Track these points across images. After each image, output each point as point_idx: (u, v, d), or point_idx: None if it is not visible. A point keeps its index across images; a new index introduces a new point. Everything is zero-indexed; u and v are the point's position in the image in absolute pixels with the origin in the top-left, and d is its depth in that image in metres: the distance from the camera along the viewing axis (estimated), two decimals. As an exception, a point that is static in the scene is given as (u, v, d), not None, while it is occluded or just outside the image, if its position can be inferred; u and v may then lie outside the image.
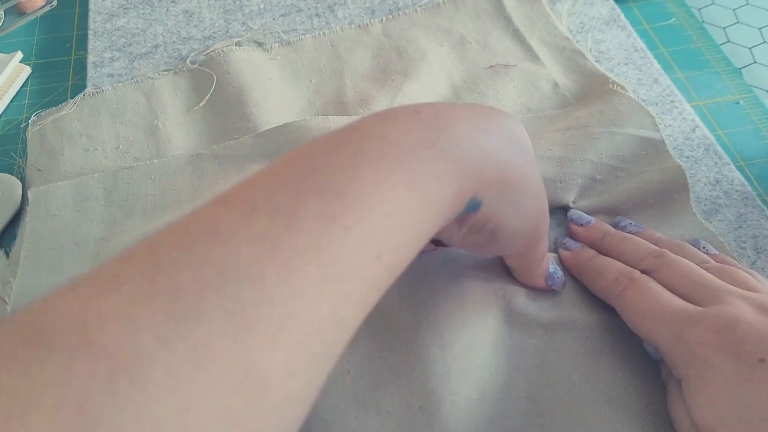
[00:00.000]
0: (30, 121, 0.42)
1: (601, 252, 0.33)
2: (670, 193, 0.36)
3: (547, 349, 0.30)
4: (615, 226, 0.35)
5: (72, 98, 0.43)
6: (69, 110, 0.42)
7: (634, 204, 0.36)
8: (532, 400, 0.29)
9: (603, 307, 0.32)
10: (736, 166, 0.39)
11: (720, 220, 0.36)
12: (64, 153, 0.40)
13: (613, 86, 0.40)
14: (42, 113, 0.42)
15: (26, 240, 0.36)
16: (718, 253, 0.33)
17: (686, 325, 0.27)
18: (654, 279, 0.30)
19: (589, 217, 0.35)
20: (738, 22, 0.50)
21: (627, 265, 0.31)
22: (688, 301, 0.28)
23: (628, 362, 0.30)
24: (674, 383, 0.28)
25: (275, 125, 0.39)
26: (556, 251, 0.35)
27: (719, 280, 0.29)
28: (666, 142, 0.37)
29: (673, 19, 0.49)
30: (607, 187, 0.36)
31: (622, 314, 0.30)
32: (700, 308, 0.27)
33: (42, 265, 0.35)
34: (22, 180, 0.39)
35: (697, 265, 0.30)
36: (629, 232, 0.34)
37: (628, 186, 0.36)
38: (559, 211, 0.37)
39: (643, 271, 0.30)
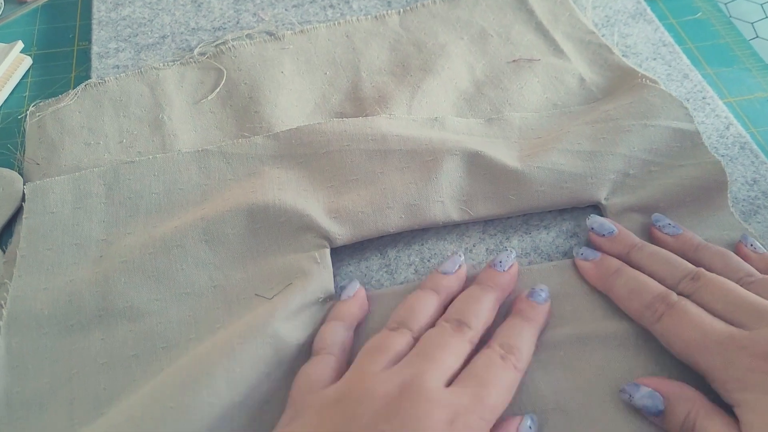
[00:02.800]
0: (28, 112, 0.40)
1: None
2: (708, 190, 0.34)
3: (573, 360, 0.29)
4: (652, 225, 0.33)
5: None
6: (70, 101, 0.40)
7: (669, 201, 0.34)
8: (562, 411, 0.27)
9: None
10: (772, 165, 0.37)
11: (759, 222, 0.34)
12: (64, 146, 0.38)
13: (642, 80, 0.38)
14: (41, 104, 0.40)
15: (23, 238, 0.34)
16: (767, 252, 0.31)
17: (734, 352, 0.25)
18: (693, 301, 0.28)
19: (613, 226, 0.32)
20: (766, 17, 0.48)
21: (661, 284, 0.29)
22: (733, 325, 0.26)
23: (660, 370, 0.28)
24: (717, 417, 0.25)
25: (288, 128, 0.37)
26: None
27: (763, 300, 0.27)
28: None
29: (699, 14, 0.47)
30: (641, 183, 0.34)
31: (662, 341, 0.28)
32: (745, 332, 0.26)
33: (40, 266, 0.33)
34: (21, 175, 0.37)
35: (741, 278, 0.29)
36: (667, 234, 0.32)
37: (664, 182, 0.34)
38: (591, 208, 0.35)
39: (679, 293, 0.28)
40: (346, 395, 0.25)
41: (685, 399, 0.26)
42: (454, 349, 0.27)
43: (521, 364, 0.27)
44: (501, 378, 0.26)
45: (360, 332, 0.30)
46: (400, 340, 0.28)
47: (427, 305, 0.29)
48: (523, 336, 0.28)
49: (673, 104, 0.36)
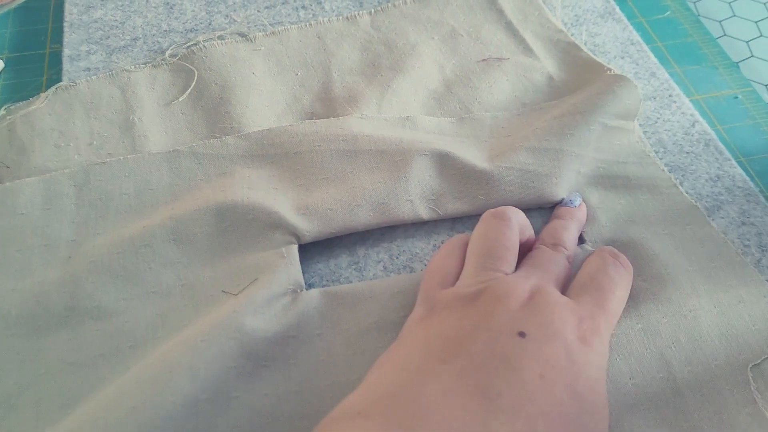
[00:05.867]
0: (-1, 116, 0.40)
1: None
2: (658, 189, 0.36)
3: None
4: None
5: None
6: (40, 104, 0.40)
7: (619, 202, 0.35)
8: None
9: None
10: (736, 161, 0.38)
11: (722, 218, 0.35)
12: (34, 149, 0.38)
13: (610, 73, 0.39)
14: (11, 107, 0.40)
15: (-9, 240, 0.34)
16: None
17: None
18: None
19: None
20: (734, 15, 0.49)
21: None
22: None
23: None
24: None
25: (260, 128, 0.38)
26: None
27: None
28: (666, 136, 0.36)
29: (668, 12, 0.48)
30: (593, 181, 0.36)
31: None
32: None
33: (9, 268, 0.33)
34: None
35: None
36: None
37: (612, 182, 0.36)
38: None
39: None
40: (482, 294, 0.26)
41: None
42: (560, 263, 0.30)
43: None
44: (608, 294, 0.28)
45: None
46: (513, 237, 0.30)
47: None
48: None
49: (632, 98, 0.37)
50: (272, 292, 0.30)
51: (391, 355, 0.26)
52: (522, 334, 0.24)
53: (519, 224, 0.30)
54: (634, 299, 0.31)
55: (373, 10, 0.46)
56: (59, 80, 0.42)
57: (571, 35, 0.44)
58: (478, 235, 0.30)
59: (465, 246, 0.30)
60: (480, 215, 0.35)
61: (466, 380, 0.23)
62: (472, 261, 0.29)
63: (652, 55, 0.43)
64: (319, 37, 0.44)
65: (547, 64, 0.42)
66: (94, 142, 0.38)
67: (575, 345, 0.25)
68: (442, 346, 0.25)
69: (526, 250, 0.31)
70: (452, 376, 0.23)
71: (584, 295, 0.27)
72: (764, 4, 0.49)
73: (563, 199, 0.34)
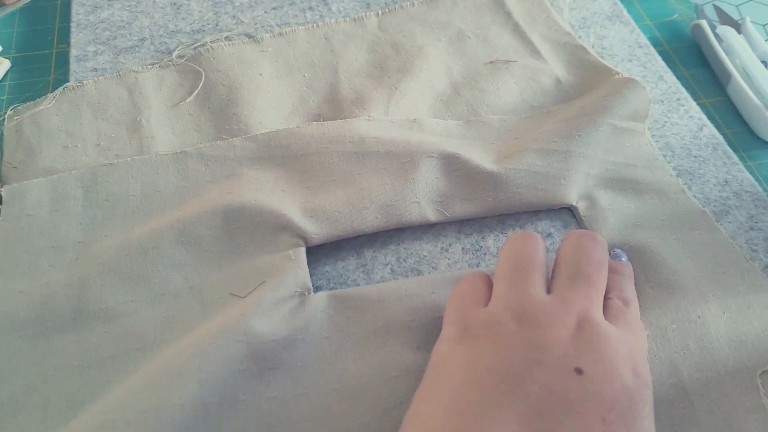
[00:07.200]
0: (6, 116, 0.40)
1: None
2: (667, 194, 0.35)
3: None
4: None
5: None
6: (48, 105, 0.40)
7: (631, 204, 0.35)
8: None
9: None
10: (744, 166, 0.38)
11: (730, 222, 0.35)
12: (41, 150, 0.38)
13: (619, 76, 0.39)
14: (19, 108, 0.40)
15: (-1, 241, 0.34)
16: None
17: None
18: None
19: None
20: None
21: None
22: None
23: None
24: None
25: (267, 130, 0.38)
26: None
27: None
28: (674, 140, 0.36)
29: (675, 15, 0.48)
30: (604, 184, 0.36)
31: None
32: None
33: (16, 269, 0.33)
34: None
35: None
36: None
37: (624, 186, 0.36)
38: (566, 210, 0.35)
39: None
40: (523, 318, 0.25)
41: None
42: (604, 265, 0.28)
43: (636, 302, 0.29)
44: (635, 319, 0.28)
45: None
46: (541, 250, 0.28)
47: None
48: (631, 290, 0.30)
49: (641, 100, 0.37)
50: (280, 295, 0.30)
51: (435, 390, 0.25)
52: (579, 371, 0.23)
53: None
54: (642, 306, 0.31)
55: (380, 12, 0.45)
56: (66, 80, 0.42)
57: (579, 38, 0.44)
58: (506, 252, 0.28)
59: (489, 276, 0.29)
60: (488, 218, 0.35)
61: (529, 427, 0.22)
62: (504, 278, 0.27)
63: (659, 59, 0.43)
64: (326, 39, 0.44)
65: (554, 67, 0.42)
66: (102, 143, 0.38)
67: (631, 381, 0.24)
68: (496, 383, 0.23)
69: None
70: (513, 423, 0.22)
71: (621, 320, 0.26)
72: (772, 7, 0.49)
73: (611, 252, 0.32)
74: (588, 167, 0.35)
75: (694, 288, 0.31)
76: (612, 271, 0.30)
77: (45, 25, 0.47)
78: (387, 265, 0.34)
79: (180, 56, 0.43)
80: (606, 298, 0.28)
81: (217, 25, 0.45)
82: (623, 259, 0.31)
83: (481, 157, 0.36)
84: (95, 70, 0.43)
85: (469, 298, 0.27)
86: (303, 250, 0.32)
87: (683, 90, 0.41)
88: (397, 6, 0.46)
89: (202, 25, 0.45)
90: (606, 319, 0.26)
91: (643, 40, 0.44)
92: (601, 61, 0.41)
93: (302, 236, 0.33)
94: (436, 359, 0.26)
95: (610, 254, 0.31)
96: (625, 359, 0.24)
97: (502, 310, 0.26)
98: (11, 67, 0.44)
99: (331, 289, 0.32)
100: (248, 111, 0.39)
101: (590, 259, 0.28)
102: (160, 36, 0.45)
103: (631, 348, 0.25)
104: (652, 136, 0.39)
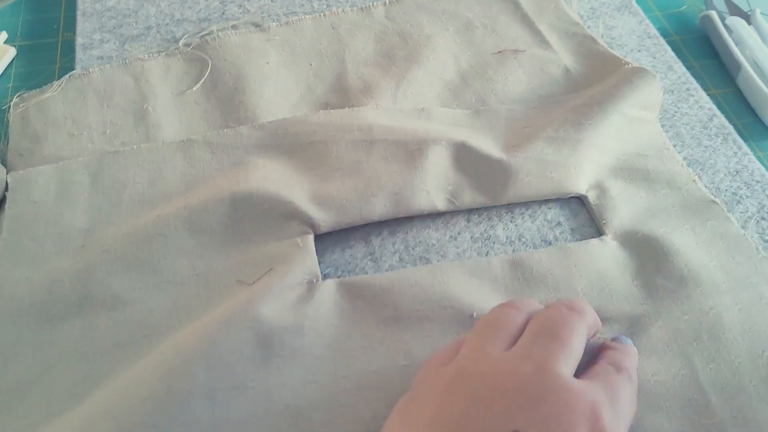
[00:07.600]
0: (12, 104, 0.40)
1: None
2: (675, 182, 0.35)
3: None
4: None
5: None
6: (53, 93, 0.40)
7: (642, 192, 0.35)
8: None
9: None
10: (755, 156, 0.37)
11: (741, 212, 0.34)
12: (47, 137, 0.38)
13: (628, 66, 0.39)
14: (25, 95, 0.40)
15: (5, 228, 0.33)
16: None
17: None
18: None
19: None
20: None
21: None
22: None
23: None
24: None
25: (274, 118, 0.37)
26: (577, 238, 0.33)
27: None
28: (684, 130, 0.36)
29: (684, 6, 0.48)
30: (615, 174, 0.35)
31: None
32: None
33: (22, 256, 0.33)
34: (5, 165, 0.37)
35: None
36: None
37: (634, 174, 0.36)
38: (575, 199, 0.35)
39: None
40: (467, 375, 0.23)
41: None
42: (579, 330, 0.24)
43: (635, 378, 0.26)
44: (624, 384, 0.24)
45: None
46: (518, 318, 0.26)
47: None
48: (628, 361, 0.26)
49: (652, 89, 0.37)
50: (288, 282, 0.30)
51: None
52: None
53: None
54: (654, 297, 0.30)
55: (387, 1, 0.45)
56: (72, 68, 0.42)
57: (588, 28, 0.44)
58: (482, 318, 0.27)
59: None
60: (497, 206, 0.35)
61: None
62: (467, 339, 0.26)
63: (669, 49, 0.43)
64: (333, 28, 0.44)
65: (563, 57, 0.42)
66: (108, 131, 0.38)
67: None
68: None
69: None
70: None
71: (598, 381, 0.24)
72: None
73: (618, 336, 0.29)
74: (598, 156, 0.35)
75: (706, 279, 0.31)
76: (610, 347, 0.27)
77: (51, 13, 0.47)
78: (395, 253, 0.33)
79: (186, 45, 0.43)
80: (595, 363, 0.26)
81: (223, 13, 0.45)
82: (628, 342, 0.28)
83: (490, 146, 0.35)
84: (101, 58, 0.43)
85: (437, 359, 0.26)
86: (311, 237, 0.32)
87: (693, 80, 0.41)
88: (404, -5, 0.45)
89: (209, 14, 0.45)
90: (589, 372, 0.25)
91: (653, 30, 0.44)
92: (611, 51, 0.41)
93: (310, 224, 0.32)
94: (390, 418, 0.25)
95: (615, 338, 0.28)
96: (581, 416, 0.21)
97: (451, 371, 0.24)
98: (17, 54, 0.44)
99: (339, 277, 0.32)
100: (255, 99, 0.39)
101: (560, 319, 0.25)
102: (167, 24, 0.45)
103: (595, 404, 0.22)
104: (662, 126, 0.38)
